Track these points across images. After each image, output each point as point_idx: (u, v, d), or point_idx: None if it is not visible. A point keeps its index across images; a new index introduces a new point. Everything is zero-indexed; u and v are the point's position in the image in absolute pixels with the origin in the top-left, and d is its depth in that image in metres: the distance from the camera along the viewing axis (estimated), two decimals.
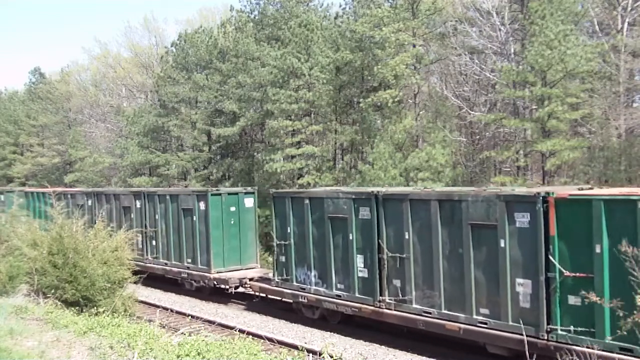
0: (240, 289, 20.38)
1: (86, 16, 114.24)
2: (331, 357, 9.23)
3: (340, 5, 43.30)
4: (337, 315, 16.47)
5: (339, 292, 16.08)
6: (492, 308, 12.50)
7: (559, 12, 20.00)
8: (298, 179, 28.28)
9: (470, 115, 25.90)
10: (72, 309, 13.94)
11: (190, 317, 18.39)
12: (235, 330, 14.64)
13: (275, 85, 28.10)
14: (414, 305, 14.10)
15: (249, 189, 21.96)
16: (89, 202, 26.56)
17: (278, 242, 17.82)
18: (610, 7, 23.63)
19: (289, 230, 17.43)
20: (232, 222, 20.75)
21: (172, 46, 38.42)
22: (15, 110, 60.44)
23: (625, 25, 22.52)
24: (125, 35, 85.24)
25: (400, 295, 14.41)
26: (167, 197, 22.33)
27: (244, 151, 34.81)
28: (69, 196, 27.95)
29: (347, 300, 15.78)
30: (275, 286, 18.03)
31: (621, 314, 9.46)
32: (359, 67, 26.92)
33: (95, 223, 23.49)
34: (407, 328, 14.74)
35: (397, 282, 14.52)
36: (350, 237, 15.52)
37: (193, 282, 21.21)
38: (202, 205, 20.60)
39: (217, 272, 20.27)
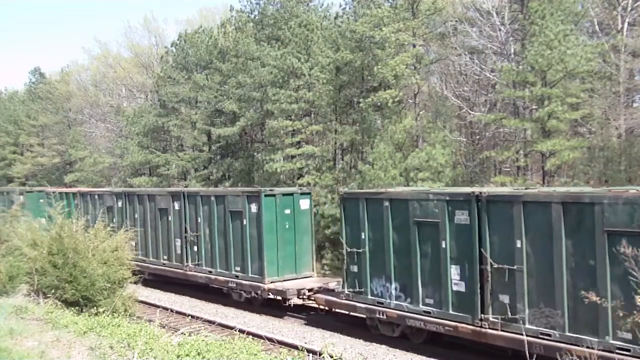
0: (297, 301, 18.29)
1: (86, 16, 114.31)
2: (331, 357, 9.23)
3: (340, 5, 43.28)
4: (423, 334, 14.43)
5: (427, 308, 13.99)
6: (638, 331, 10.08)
7: (559, 12, 19.99)
8: (298, 178, 28.28)
9: (470, 115, 25.90)
10: (72, 309, 13.95)
11: (190, 317, 18.40)
12: (235, 330, 14.63)
13: (275, 85, 28.10)
14: (528, 326, 12.00)
15: (305, 189, 20.28)
16: (119, 204, 24.71)
17: (349, 250, 15.77)
18: (610, 7, 23.62)
19: (362, 237, 15.42)
20: (287, 226, 18.83)
21: (172, 46, 38.43)
22: (15, 110, 60.46)
23: (625, 25, 22.51)
24: (125, 35, 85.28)
25: (509, 313, 12.31)
26: (212, 198, 20.27)
27: (244, 151, 34.80)
28: (95, 197, 26.35)
29: (438, 318, 13.69)
30: (345, 299, 15.99)
31: None
32: (359, 67, 26.91)
33: (126, 227, 22.89)
34: (514, 351, 12.48)
35: (504, 298, 12.48)
36: (443, 245, 13.51)
37: (242, 292, 19.23)
38: (253, 207, 18.65)
39: (271, 282, 18.28)
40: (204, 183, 33.72)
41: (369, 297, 15.35)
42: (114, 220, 23.84)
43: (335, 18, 32.17)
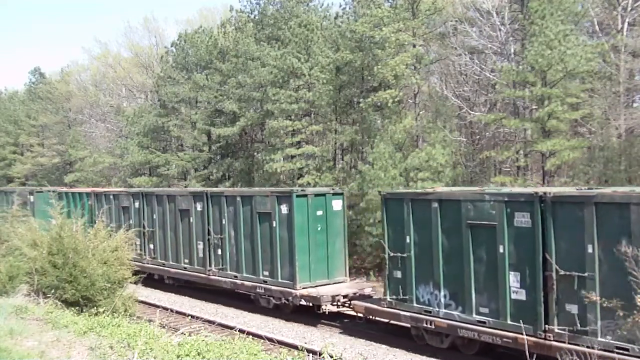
0: (331, 308, 17.44)
1: (86, 16, 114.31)
2: (331, 357, 9.23)
3: (340, 5, 43.30)
4: (475, 345, 13.55)
5: (481, 318, 13.10)
6: None
7: (559, 12, 20.00)
8: (298, 179, 28.28)
9: (470, 115, 25.89)
10: (72, 309, 13.96)
11: (190, 317, 18.40)
12: (235, 330, 14.63)
13: (275, 85, 28.10)
14: (600, 339, 11.16)
15: (337, 189, 19.24)
16: (136, 204, 23.72)
17: (392, 254, 14.89)
18: (610, 7, 23.61)
19: (407, 240, 14.49)
20: (319, 228, 17.88)
21: (172, 46, 38.42)
22: (15, 110, 60.47)
23: (625, 25, 22.50)
24: (125, 35, 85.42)
25: (578, 324, 11.44)
26: (238, 198, 19.16)
27: (244, 151, 34.80)
28: (111, 197, 25.38)
29: (495, 328, 12.77)
30: (388, 307, 15.08)
31: None
32: (359, 67, 26.91)
33: (143, 227, 22.74)
34: None
35: (572, 308, 11.60)
36: (501, 250, 12.63)
37: (271, 298, 18.19)
38: (284, 208, 17.64)
39: (303, 288, 17.34)
40: (203, 183, 33.71)
41: (415, 305, 14.45)
42: (131, 222, 23.38)
43: (335, 18, 32.18)
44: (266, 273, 18.36)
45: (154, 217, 22.83)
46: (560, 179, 22.58)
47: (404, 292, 14.72)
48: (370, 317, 16.10)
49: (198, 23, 44.92)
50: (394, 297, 14.95)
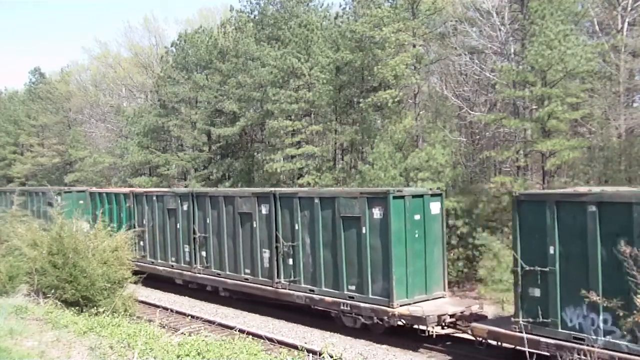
0: (438, 330, 14.90)
1: (86, 16, 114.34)
2: (331, 357, 9.24)
3: (340, 5, 43.36)
4: None
5: None
6: None
7: (559, 12, 19.99)
8: (298, 179, 28.29)
9: (470, 115, 25.88)
10: (72, 309, 13.96)
11: (190, 317, 18.38)
12: (235, 330, 14.62)
13: (275, 85, 28.11)
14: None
15: (436, 189, 17.13)
16: (184, 207, 21.39)
17: (527, 268, 12.48)
18: (610, 7, 23.60)
19: (550, 251, 12.13)
20: (417, 235, 15.55)
21: (172, 46, 38.48)
22: (15, 110, 60.52)
23: (625, 25, 22.49)
24: (125, 35, 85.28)
25: None
26: (315, 200, 16.72)
27: (244, 151, 34.82)
28: (153, 198, 22.97)
29: None
30: (524, 331, 12.43)
31: None
32: (359, 67, 26.92)
33: (193, 233, 20.80)
34: None
35: None
36: None
37: (359, 318, 15.56)
38: (377, 211, 15.22)
39: (401, 305, 14.87)
40: (203, 183, 33.72)
41: (560, 330, 12.04)
42: (178, 227, 21.68)
43: (335, 18, 32.20)
44: (352, 287, 15.85)
45: (207, 221, 20.41)
46: (560, 179, 22.58)
47: (544, 314, 12.30)
48: (495, 342, 13.37)
49: (198, 23, 44.99)
50: (529, 319, 12.50)
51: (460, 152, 26.64)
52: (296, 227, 17.29)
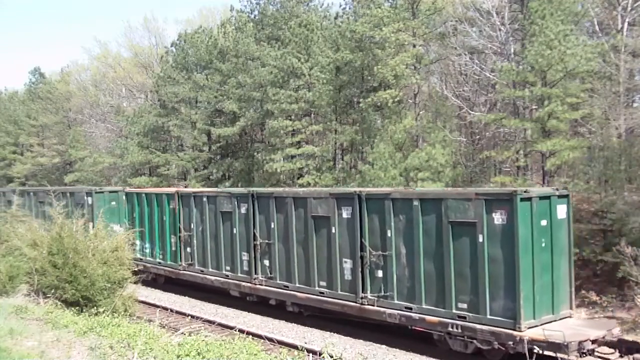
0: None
1: (86, 16, 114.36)
2: (331, 357, 9.24)
3: (340, 5, 43.28)
4: None
5: None
6: None
7: (559, 12, 19.99)
8: (298, 179, 28.29)
9: (470, 115, 25.90)
10: (72, 309, 13.97)
11: (190, 317, 18.38)
12: (235, 330, 14.63)
13: (275, 85, 28.12)
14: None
15: (563, 190, 14.12)
16: (242, 209, 19.08)
17: None
18: (610, 7, 23.61)
19: None
20: (543, 245, 13.23)
21: (172, 46, 38.47)
22: (15, 110, 60.48)
23: (625, 25, 22.49)
24: (125, 35, 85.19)
25: None
26: (414, 202, 14.35)
27: (244, 151, 34.82)
28: (204, 200, 20.51)
29: None
30: None
31: None
32: (359, 67, 26.93)
33: (254, 239, 18.47)
34: None
35: None
36: None
37: (472, 341, 13.30)
38: (498, 216, 12.92)
39: (529, 328, 12.54)
40: (203, 183, 33.72)
41: None
42: (234, 232, 19.32)
43: (335, 18, 32.22)
44: (463, 306, 13.51)
45: (272, 225, 18.14)
46: (560, 179, 22.58)
47: None
48: None
49: (198, 23, 45.00)
50: None
51: (460, 152, 26.67)
52: (389, 235, 14.96)
